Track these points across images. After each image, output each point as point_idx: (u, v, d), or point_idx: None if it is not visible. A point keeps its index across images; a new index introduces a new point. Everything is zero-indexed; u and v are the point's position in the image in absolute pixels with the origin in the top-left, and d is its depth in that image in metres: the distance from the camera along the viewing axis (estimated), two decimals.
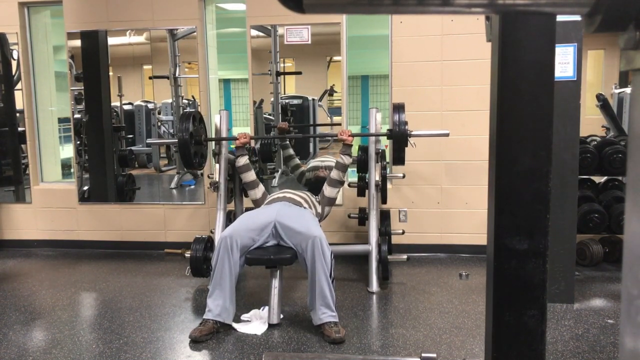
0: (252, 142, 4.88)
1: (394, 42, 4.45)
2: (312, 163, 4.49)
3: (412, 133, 3.72)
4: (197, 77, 4.78)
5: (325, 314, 3.00)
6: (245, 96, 8.98)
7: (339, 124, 4.72)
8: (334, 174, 3.66)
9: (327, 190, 3.68)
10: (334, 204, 3.78)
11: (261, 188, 3.77)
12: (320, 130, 5.92)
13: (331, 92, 5.49)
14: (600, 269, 4.08)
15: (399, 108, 3.77)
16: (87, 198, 5.00)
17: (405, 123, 3.71)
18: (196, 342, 2.95)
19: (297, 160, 4.43)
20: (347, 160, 3.67)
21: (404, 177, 4.21)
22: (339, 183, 3.68)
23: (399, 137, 3.69)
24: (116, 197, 5.04)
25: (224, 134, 4.05)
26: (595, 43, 7.94)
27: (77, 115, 4.99)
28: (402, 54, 4.45)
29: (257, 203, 3.72)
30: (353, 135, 3.73)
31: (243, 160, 3.76)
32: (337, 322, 3.01)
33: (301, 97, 5.37)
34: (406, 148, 3.77)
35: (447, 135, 3.88)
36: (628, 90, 5.96)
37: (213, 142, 4.09)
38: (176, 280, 4.06)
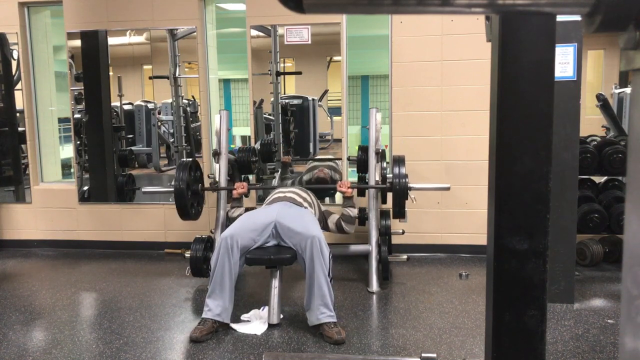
0: (253, 142, 4.88)
1: (394, 42, 4.45)
2: (311, 162, 4.49)
3: (413, 187, 3.66)
4: (197, 77, 4.78)
5: (324, 314, 2.99)
6: (245, 96, 8.98)
7: (338, 156, 4.71)
8: (345, 226, 3.66)
9: (332, 226, 3.68)
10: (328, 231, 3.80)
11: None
12: (320, 136, 5.91)
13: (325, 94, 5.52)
14: (600, 269, 4.08)
15: (399, 161, 3.67)
16: (87, 198, 5.00)
17: (405, 176, 3.61)
18: (196, 342, 2.95)
19: (290, 179, 4.50)
20: (353, 212, 3.66)
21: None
22: (345, 232, 3.70)
23: (399, 192, 3.58)
24: (116, 197, 5.04)
25: (224, 135, 4.04)
26: (595, 43, 7.93)
27: (77, 115, 4.99)
28: (402, 54, 4.45)
29: None
30: (353, 187, 3.72)
31: (238, 212, 3.66)
32: (336, 322, 3.01)
33: (301, 97, 5.36)
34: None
35: (447, 189, 3.86)
36: (628, 90, 5.95)
37: (214, 142, 4.09)
38: (176, 280, 4.06)
